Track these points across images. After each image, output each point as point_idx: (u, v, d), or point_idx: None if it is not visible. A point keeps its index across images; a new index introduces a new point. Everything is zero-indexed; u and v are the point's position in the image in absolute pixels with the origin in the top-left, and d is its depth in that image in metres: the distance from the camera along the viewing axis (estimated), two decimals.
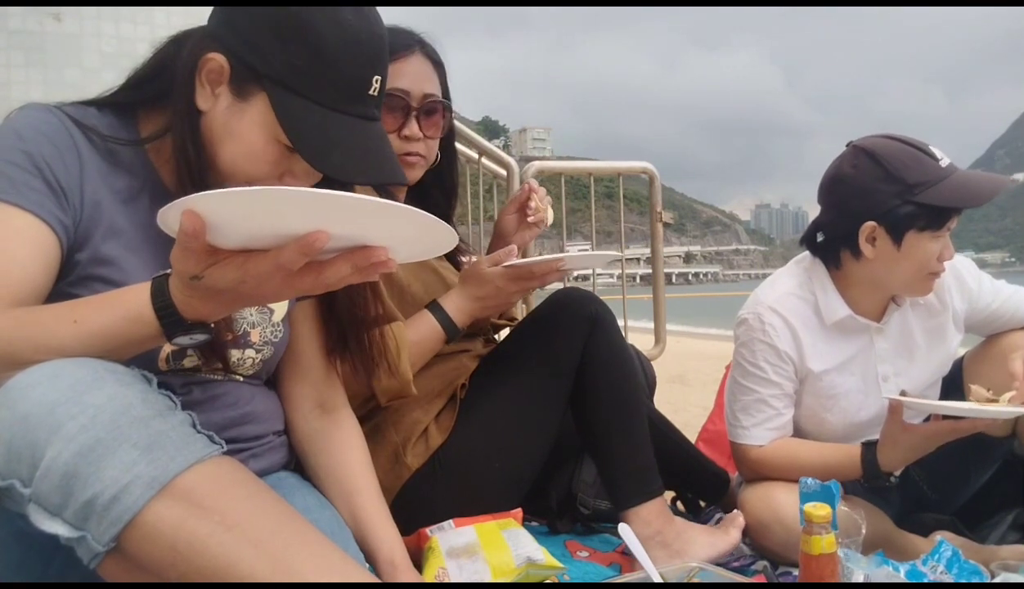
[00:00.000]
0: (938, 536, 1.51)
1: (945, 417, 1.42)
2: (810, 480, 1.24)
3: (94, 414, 0.79)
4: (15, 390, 0.81)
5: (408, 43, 1.55)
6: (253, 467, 1.15)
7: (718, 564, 1.43)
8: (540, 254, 1.98)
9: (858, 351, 1.66)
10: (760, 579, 1.50)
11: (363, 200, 0.72)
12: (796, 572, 1.19)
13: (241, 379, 1.17)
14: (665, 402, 2.06)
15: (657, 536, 1.47)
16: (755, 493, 1.59)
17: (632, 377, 1.55)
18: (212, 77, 1.01)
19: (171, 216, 0.77)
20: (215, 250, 0.78)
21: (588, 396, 1.53)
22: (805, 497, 1.21)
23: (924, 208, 1.50)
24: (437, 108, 1.57)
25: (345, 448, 1.26)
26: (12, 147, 0.98)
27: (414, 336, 1.49)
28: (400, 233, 0.79)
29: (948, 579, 1.27)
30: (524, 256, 1.69)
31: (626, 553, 1.51)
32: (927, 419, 1.53)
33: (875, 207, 1.53)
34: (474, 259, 1.89)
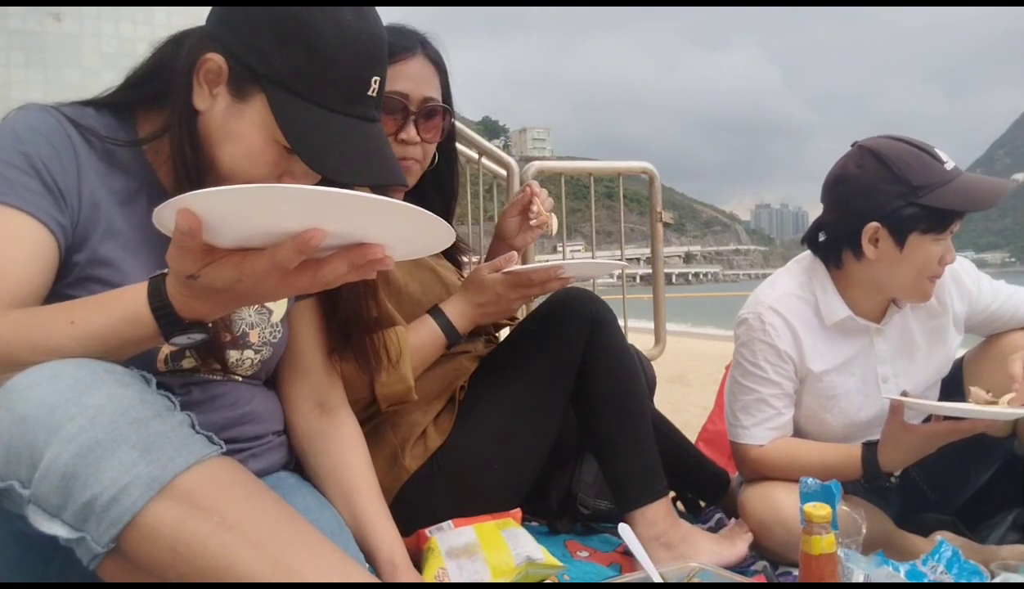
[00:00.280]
0: (938, 536, 1.51)
1: (946, 418, 1.42)
2: (810, 480, 1.24)
3: (93, 415, 0.79)
4: (14, 391, 0.81)
5: (410, 44, 1.53)
6: (253, 467, 1.15)
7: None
8: (539, 254, 1.97)
9: (858, 352, 1.66)
10: (760, 579, 1.50)
11: (359, 197, 0.72)
12: (796, 572, 1.19)
13: (240, 379, 1.17)
14: (665, 402, 2.06)
15: (662, 537, 1.47)
16: (755, 493, 1.59)
17: (635, 377, 1.55)
18: (210, 77, 1.01)
19: (166, 215, 0.76)
20: (211, 249, 0.78)
21: (590, 397, 1.52)
22: (805, 497, 1.21)
23: (928, 210, 1.50)
24: (436, 112, 1.54)
25: (345, 448, 1.26)
26: (10, 148, 0.98)
27: (415, 341, 1.48)
28: (396, 230, 0.79)
29: (948, 579, 1.27)
30: (523, 258, 1.69)
31: (626, 553, 1.51)
32: (927, 419, 1.53)
33: (879, 208, 1.53)
34: (475, 259, 1.88)
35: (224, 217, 0.74)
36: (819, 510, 1.11)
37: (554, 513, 1.75)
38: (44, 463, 0.77)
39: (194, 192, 0.72)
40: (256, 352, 1.17)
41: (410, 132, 1.50)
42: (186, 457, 0.81)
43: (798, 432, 1.69)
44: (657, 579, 1.27)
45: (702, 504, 1.94)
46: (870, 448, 1.51)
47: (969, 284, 1.69)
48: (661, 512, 1.49)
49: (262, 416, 1.20)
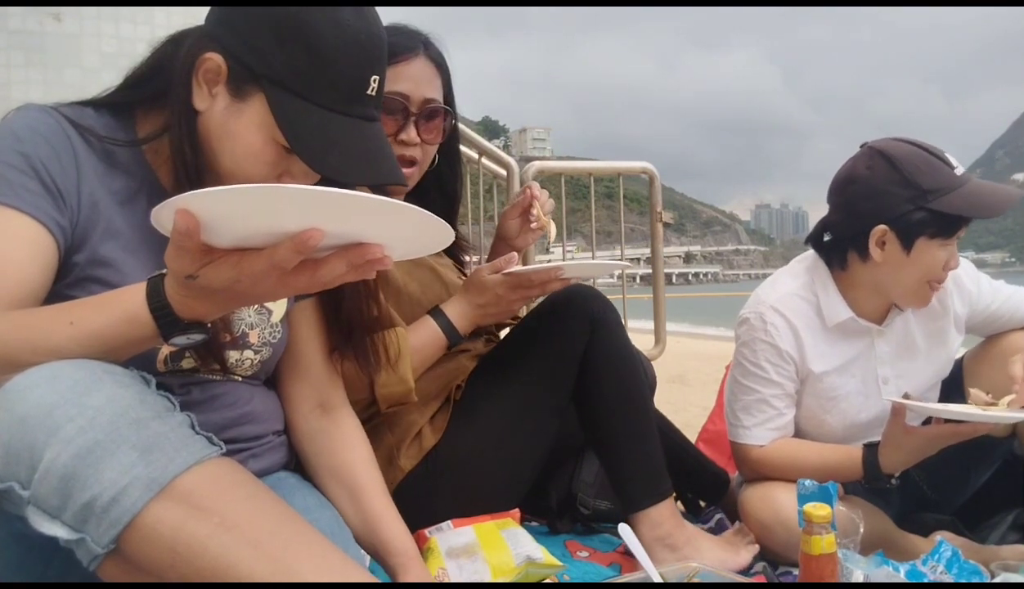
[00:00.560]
0: (938, 536, 1.51)
1: (946, 420, 1.42)
2: (808, 481, 1.24)
3: (92, 416, 0.79)
4: (13, 392, 0.80)
5: (412, 45, 1.52)
6: (253, 467, 1.15)
7: None
8: (538, 255, 1.96)
9: (859, 353, 1.66)
10: (760, 579, 1.50)
11: (356, 197, 0.71)
12: (796, 572, 1.19)
13: (240, 379, 1.17)
14: (665, 402, 2.06)
15: (667, 539, 1.46)
16: (756, 494, 1.59)
17: (637, 378, 1.54)
18: (209, 77, 1.01)
19: (164, 215, 0.76)
20: (210, 249, 0.78)
21: (593, 397, 1.51)
22: (803, 498, 1.21)
23: (937, 215, 1.49)
24: (437, 113, 1.54)
25: (348, 447, 1.26)
26: (9, 148, 0.97)
27: (416, 342, 1.48)
28: (395, 230, 0.79)
29: (948, 579, 1.27)
30: (524, 259, 1.68)
31: (626, 553, 1.50)
32: (926, 421, 1.53)
33: (887, 210, 1.52)
34: (475, 259, 1.88)
35: (222, 217, 0.74)
36: (819, 510, 1.11)
37: (554, 513, 1.75)
38: (43, 464, 0.77)
39: (192, 192, 0.72)
40: (256, 352, 1.17)
41: (410, 133, 1.50)
42: (186, 458, 0.81)
43: (798, 433, 1.69)
44: (657, 579, 1.27)
45: (702, 504, 1.94)
46: (871, 450, 1.51)
47: (969, 285, 1.69)
48: (666, 513, 1.49)
49: (262, 416, 1.20)
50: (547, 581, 1.35)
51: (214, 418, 1.09)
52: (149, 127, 1.08)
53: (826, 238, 1.66)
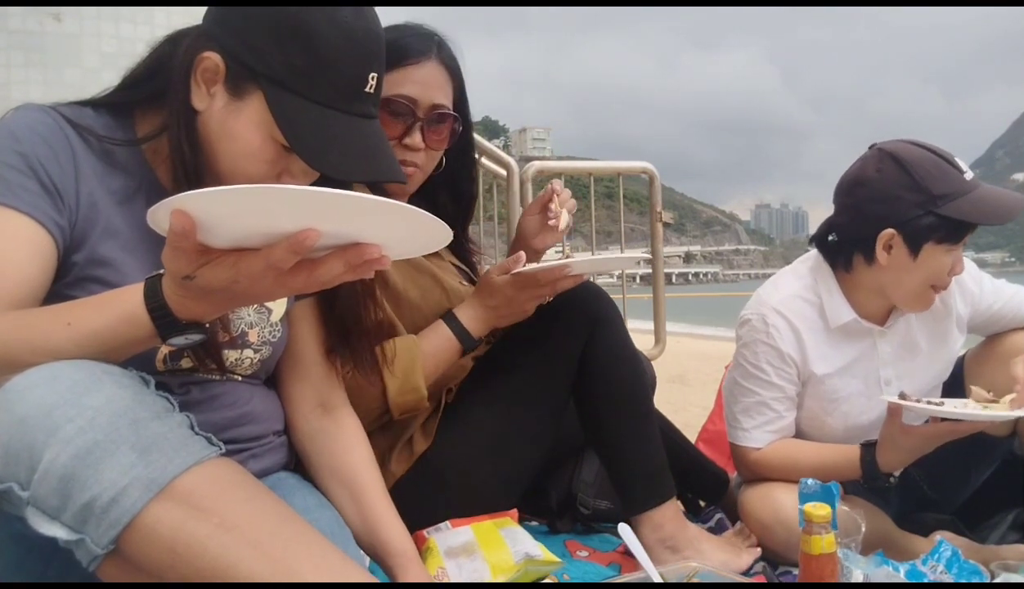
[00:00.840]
0: (938, 536, 1.51)
1: (943, 418, 1.42)
2: (810, 480, 1.24)
3: (92, 416, 0.79)
4: (12, 392, 0.80)
5: (424, 48, 1.47)
6: (253, 468, 1.15)
7: None
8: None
9: (861, 354, 1.65)
10: (760, 579, 1.50)
11: (352, 197, 0.71)
12: (796, 572, 1.19)
13: (239, 379, 1.17)
14: (665, 402, 2.06)
15: (669, 540, 1.46)
16: (756, 494, 1.59)
17: (639, 378, 1.52)
18: (208, 76, 1.01)
19: (160, 215, 0.76)
20: (207, 249, 0.78)
21: (593, 398, 1.50)
22: (804, 497, 1.21)
23: (946, 221, 1.48)
24: (445, 119, 1.49)
25: (348, 447, 1.26)
26: (7, 148, 0.97)
27: (428, 348, 1.45)
28: (392, 230, 0.79)
29: (948, 579, 1.27)
30: (542, 261, 1.64)
31: (626, 553, 1.50)
32: (928, 420, 1.52)
33: (896, 214, 1.50)
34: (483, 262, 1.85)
35: (218, 218, 0.74)
36: (819, 510, 1.11)
37: (554, 513, 1.75)
38: (43, 465, 0.77)
39: (187, 193, 0.72)
40: (255, 351, 1.17)
41: (415, 138, 1.45)
42: (185, 458, 0.81)
43: (798, 434, 1.68)
44: (657, 579, 1.27)
45: (702, 504, 1.94)
46: (868, 449, 1.51)
47: (971, 285, 1.68)
48: (668, 515, 1.48)
49: (262, 416, 1.19)
50: (546, 581, 1.35)
51: (214, 418, 1.09)
52: (148, 127, 1.08)
53: (831, 239, 1.64)
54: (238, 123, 1.00)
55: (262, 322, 1.18)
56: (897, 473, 1.50)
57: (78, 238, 1.00)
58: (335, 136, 0.99)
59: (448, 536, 1.34)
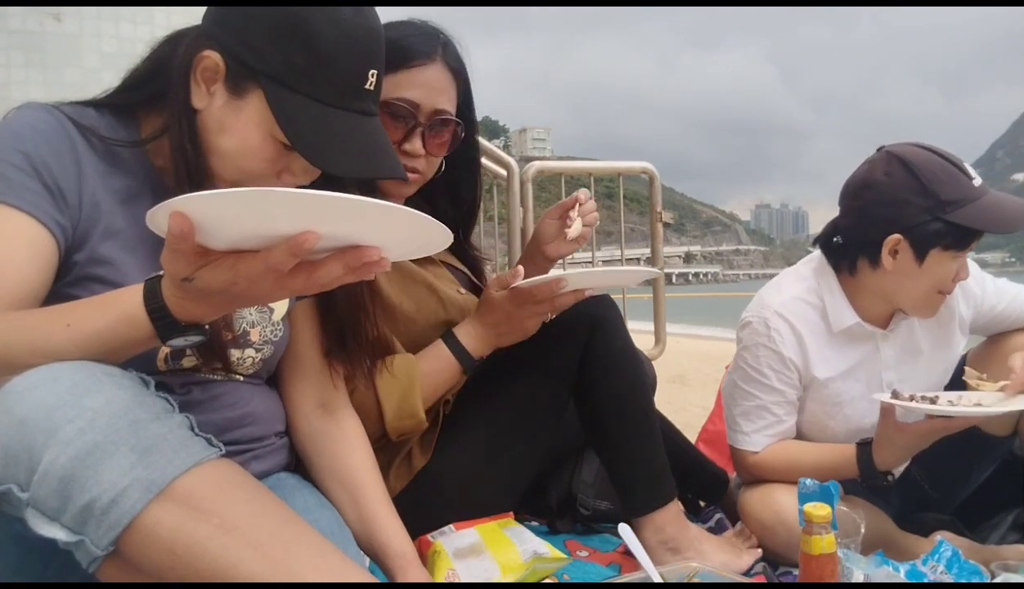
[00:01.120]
0: (938, 536, 1.51)
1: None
2: (809, 481, 1.24)
3: (92, 418, 0.79)
4: (12, 393, 0.80)
5: (428, 50, 1.41)
6: (256, 469, 1.15)
7: None
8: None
9: (863, 358, 1.64)
10: (760, 579, 1.50)
11: (349, 200, 0.71)
12: (796, 572, 1.19)
13: (241, 379, 1.17)
14: (665, 402, 2.05)
15: (670, 542, 1.45)
16: (756, 495, 1.59)
17: (640, 380, 1.50)
18: (207, 75, 1.01)
19: (159, 217, 0.76)
20: (206, 251, 0.78)
21: (594, 399, 1.48)
22: (804, 498, 1.21)
23: (953, 227, 1.46)
24: (447, 125, 1.44)
25: (349, 448, 1.26)
26: (9, 147, 0.97)
27: (426, 368, 1.42)
28: (390, 232, 0.79)
29: (948, 579, 1.27)
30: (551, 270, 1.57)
31: (626, 553, 1.50)
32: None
33: (904, 219, 1.48)
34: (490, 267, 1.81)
35: (217, 220, 0.74)
36: (819, 510, 1.10)
37: (554, 513, 1.75)
38: (42, 466, 0.77)
39: (186, 195, 0.72)
40: (257, 351, 1.17)
41: (415, 144, 1.40)
42: (185, 459, 0.81)
43: (799, 436, 1.68)
44: (657, 579, 1.27)
45: (702, 504, 1.94)
46: (864, 449, 1.50)
47: (974, 288, 1.67)
48: (669, 517, 1.47)
49: (263, 417, 1.19)
50: (547, 581, 1.35)
51: (215, 419, 1.09)
52: (151, 128, 1.08)
53: (836, 241, 1.63)
54: (238, 121, 1.00)
55: (264, 321, 1.18)
56: (896, 472, 1.50)
57: (80, 238, 1.00)
58: (335, 133, 0.99)
59: (454, 539, 1.34)
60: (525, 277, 1.38)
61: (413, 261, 1.48)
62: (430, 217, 0.77)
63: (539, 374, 1.48)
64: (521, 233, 3.12)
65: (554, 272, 1.46)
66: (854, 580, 1.21)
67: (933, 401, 1.44)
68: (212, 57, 1.00)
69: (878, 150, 1.58)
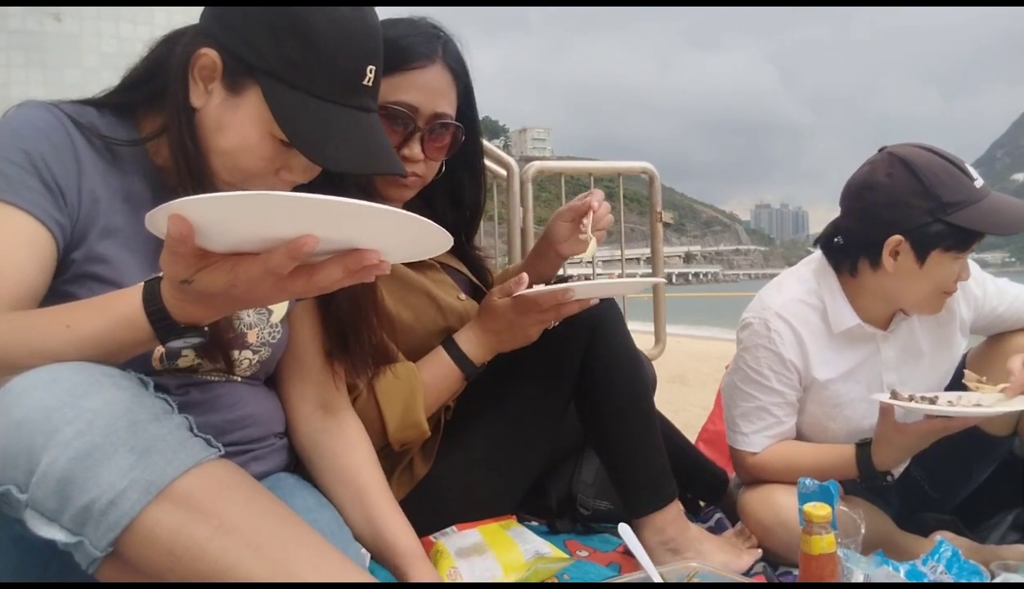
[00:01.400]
0: (938, 536, 1.51)
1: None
2: (808, 481, 1.24)
3: (90, 419, 0.78)
4: (11, 394, 0.80)
5: (428, 51, 1.38)
6: (256, 470, 1.15)
7: None
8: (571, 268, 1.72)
9: (864, 359, 1.63)
10: (760, 579, 1.50)
11: (350, 204, 0.71)
12: (796, 572, 1.19)
13: (239, 380, 1.17)
14: (665, 402, 2.05)
15: (670, 543, 1.45)
16: (756, 496, 1.59)
17: (641, 380, 1.49)
18: (205, 73, 1.01)
19: (158, 219, 0.76)
20: (205, 254, 0.78)
21: (594, 400, 1.48)
22: (804, 498, 1.21)
23: (955, 229, 1.46)
24: (447, 130, 1.41)
25: (351, 448, 1.26)
26: (9, 145, 0.97)
27: (427, 377, 1.41)
28: (391, 236, 0.78)
29: (948, 579, 1.27)
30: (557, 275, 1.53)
31: (626, 553, 1.50)
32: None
33: (905, 220, 1.48)
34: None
35: (216, 223, 0.74)
36: (819, 510, 1.10)
37: (554, 513, 1.74)
38: (41, 467, 0.77)
39: (185, 198, 0.72)
40: (254, 352, 1.17)
41: (414, 149, 1.38)
42: (184, 460, 0.80)
43: (800, 437, 1.67)
44: (657, 579, 1.27)
45: (702, 504, 1.94)
46: (863, 449, 1.50)
47: (975, 289, 1.66)
48: (669, 518, 1.47)
49: (262, 418, 1.19)
50: (547, 581, 1.35)
51: (214, 420, 1.09)
52: (151, 127, 1.08)
53: (836, 242, 1.62)
54: (236, 119, 1.00)
55: (261, 323, 1.17)
56: (896, 472, 1.50)
57: (78, 236, 1.00)
58: (333, 130, 0.99)
59: (456, 539, 1.34)
60: (537, 274, 1.37)
61: (412, 268, 1.48)
62: (429, 221, 0.77)
63: (540, 376, 1.48)
64: (521, 233, 3.12)
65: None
66: (854, 580, 1.21)
67: (932, 401, 1.44)
68: (209, 55, 1.00)
69: (880, 151, 1.58)
